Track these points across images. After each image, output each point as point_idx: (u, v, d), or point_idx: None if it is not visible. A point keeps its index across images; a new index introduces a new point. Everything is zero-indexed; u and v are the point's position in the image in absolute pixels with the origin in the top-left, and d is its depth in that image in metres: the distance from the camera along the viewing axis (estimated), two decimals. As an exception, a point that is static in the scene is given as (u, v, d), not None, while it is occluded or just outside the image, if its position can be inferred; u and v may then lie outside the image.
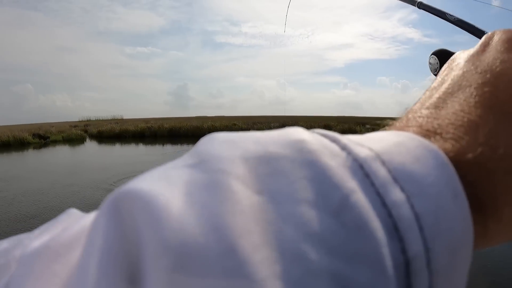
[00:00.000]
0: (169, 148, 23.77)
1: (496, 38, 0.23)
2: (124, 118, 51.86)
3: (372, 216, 0.14)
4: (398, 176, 0.16)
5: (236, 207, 0.14)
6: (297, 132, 0.17)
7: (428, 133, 0.19)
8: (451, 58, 0.24)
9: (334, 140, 0.17)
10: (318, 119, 37.76)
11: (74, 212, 0.23)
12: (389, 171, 0.16)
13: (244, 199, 0.14)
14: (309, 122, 32.19)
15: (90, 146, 25.37)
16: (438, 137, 0.19)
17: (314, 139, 0.16)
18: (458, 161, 0.18)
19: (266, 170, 0.15)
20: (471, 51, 0.23)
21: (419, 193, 0.16)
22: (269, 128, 17.22)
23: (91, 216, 0.20)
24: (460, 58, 0.23)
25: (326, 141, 0.17)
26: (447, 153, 0.18)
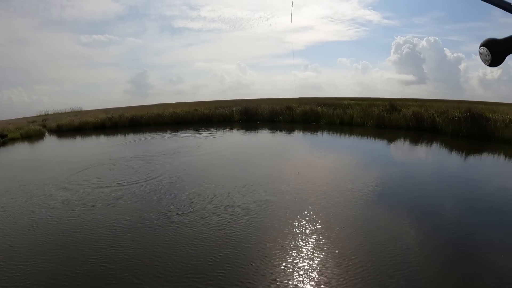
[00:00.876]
0: (130, 137, 23.88)
1: None
2: (83, 110, 50.69)
3: None
4: None
5: None
6: None
7: None
8: None
9: None
10: (280, 101, 38.34)
11: None
12: None
13: None
14: (271, 105, 32.82)
15: (50, 141, 24.71)
16: None
17: None
18: None
19: None
20: None
21: None
22: (232, 112, 17.87)
23: None
24: None
25: None
26: None
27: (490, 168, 13.10)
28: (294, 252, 6.17)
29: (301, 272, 5.50)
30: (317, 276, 5.38)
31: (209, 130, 25.78)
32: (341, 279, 5.26)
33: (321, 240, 6.68)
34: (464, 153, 15.80)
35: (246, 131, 25.18)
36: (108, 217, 8.23)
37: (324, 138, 21.76)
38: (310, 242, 6.58)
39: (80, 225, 7.83)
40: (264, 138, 22.10)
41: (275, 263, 5.81)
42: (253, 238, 6.82)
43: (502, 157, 14.63)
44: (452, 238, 6.75)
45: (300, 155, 16.41)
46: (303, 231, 7.12)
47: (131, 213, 8.48)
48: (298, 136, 22.87)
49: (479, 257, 5.95)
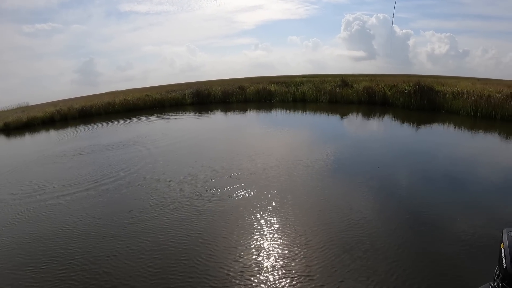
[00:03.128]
0: (81, 129, 22.32)
1: None
2: (30, 105, 46.71)
3: None
4: None
5: None
6: None
7: None
8: None
9: None
10: (232, 81, 37.45)
11: None
12: None
13: None
14: (224, 86, 31.93)
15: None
16: None
17: None
18: None
19: None
20: None
21: None
22: (184, 95, 16.29)
23: None
24: None
25: None
26: None
27: (441, 138, 13.23)
28: (254, 230, 6.11)
29: (262, 247, 5.51)
30: (277, 250, 5.37)
31: (161, 115, 24.40)
32: (301, 254, 5.23)
33: (279, 215, 6.59)
34: (415, 125, 15.93)
35: (199, 114, 24.09)
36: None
37: (278, 116, 21.20)
38: (269, 216, 6.57)
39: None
40: (217, 120, 21.14)
41: (235, 241, 5.73)
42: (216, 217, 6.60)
43: (451, 127, 14.94)
44: (409, 206, 6.80)
45: (255, 134, 15.70)
46: (262, 206, 7.08)
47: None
48: (252, 116, 22.14)
49: (436, 222, 6.05)
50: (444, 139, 12.96)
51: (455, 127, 14.78)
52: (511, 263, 1.64)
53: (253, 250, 5.41)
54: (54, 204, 8.10)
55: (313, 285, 4.49)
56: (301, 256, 5.13)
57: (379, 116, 18.91)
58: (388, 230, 5.84)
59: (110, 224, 6.68)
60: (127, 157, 12.02)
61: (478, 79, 31.64)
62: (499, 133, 13.50)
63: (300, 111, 21.99)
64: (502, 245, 1.75)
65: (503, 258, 1.69)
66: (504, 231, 1.81)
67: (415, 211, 6.55)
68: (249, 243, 5.63)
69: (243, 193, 7.82)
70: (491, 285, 1.77)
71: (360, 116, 19.37)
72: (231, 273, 4.81)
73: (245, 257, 5.19)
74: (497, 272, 1.75)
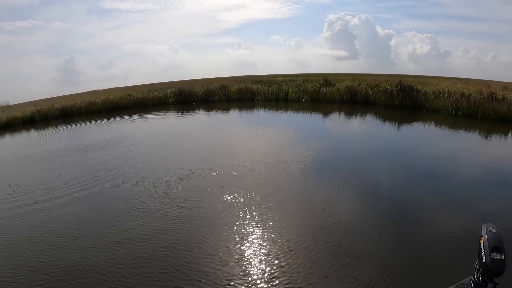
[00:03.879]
0: (63, 128, 21.60)
1: None
2: (10, 104, 45.44)
3: None
4: None
5: None
6: None
7: None
8: None
9: None
10: (214, 80, 37.14)
11: None
12: None
13: None
14: (206, 85, 31.61)
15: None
16: None
17: None
18: None
19: None
20: None
21: None
22: (166, 95, 15.56)
23: None
24: None
25: None
26: None
27: (422, 136, 13.21)
28: (236, 226, 6.06)
29: (244, 242, 5.52)
30: (260, 257, 5.14)
31: (143, 115, 23.86)
32: (284, 249, 5.24)
33: (262, 218, 6.38)
34: (397, 124, 15.94)
35: (181, 113, 23.66)
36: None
37: (261, 115, 20.94)
38: (252, 215, 6.49)
39: None
40: (200, 120, 20.72)
41: (219, 237, 5.71)
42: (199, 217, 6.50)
43: (433, 126, 14.95)
44: (390, 204, 6.77)
45: (238, 134, 15.41)
46: (245, 203, 7.05)
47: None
48: (234, 115, 21.83)
49: (417, 220, 6.04)
50: (426, 137, 12.93)
51: (436, 126, 14.80)
52: (490, 258, 1.70)
53: (236, 256, 5.14)
54: (28, 212, 7.39)
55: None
56: (285, 262, 4.94)
57: (362, 115, 18.84)
58: (369, 228, 5.78)
59: (88, 235, 6.07)
60: (107, 159, 11.37)
61: (459, 79, 32.17)
62: (479, 132, 13.61)
63: (283, 111, 21.76)
64: (481, 240, 1.81)
65: (483, 253, 1.75)
66: (483, 226, 1.87)
67: (397, 209, 6.50)
68: (232, 248, 5.38)
69: (226, 196, 7.46)
70: (471, 279, 1.82)
71: (342, 115, 19.27)
72: (214, 282, 4.52)
73: (228, 264, 4.91)
74: (477, 267, 1.80)
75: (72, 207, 7.50)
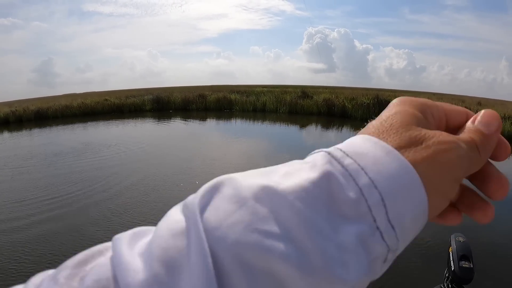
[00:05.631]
0: (36, 132, 20.80)
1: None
2: None
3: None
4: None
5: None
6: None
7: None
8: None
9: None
10: (192, 89, 36.92)
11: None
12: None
13: None
14: (184, 93, 31.35)
15: None
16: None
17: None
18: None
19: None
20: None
21: (373, 163, 0.27)
22: (143, 101, 14.82)
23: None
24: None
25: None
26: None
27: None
28: None
29: None
30: None
31: (120, 121, 23.33)
32: None
33: None
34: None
35: (158, 120, 23.31)
36: None
37: (238, 125, 20.86)
38: None
39: None
40: (177, 128, 20.42)
41: None
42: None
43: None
44: None
45: (215, 144, 15.19)
46: None
47: None
48: (212, 125, 21.68)
49: None
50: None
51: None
52: (459, 266, 1.78)
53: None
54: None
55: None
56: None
57: (338, 127, 19.03)
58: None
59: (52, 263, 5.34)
60: (79, 170, 10.59)
61: (434, 94, 33.16)
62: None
63: (260, 121, 21.73)
64: (450, 249, 1.89)
65: (452, 261, 1.83)
66: (452, 236, 1.98)
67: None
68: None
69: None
70: (441, 286, 1.88)
71: (319, 127, 19.45)
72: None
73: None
74: (446, 275, 1.88)
75: (34, 230, 6.95)
